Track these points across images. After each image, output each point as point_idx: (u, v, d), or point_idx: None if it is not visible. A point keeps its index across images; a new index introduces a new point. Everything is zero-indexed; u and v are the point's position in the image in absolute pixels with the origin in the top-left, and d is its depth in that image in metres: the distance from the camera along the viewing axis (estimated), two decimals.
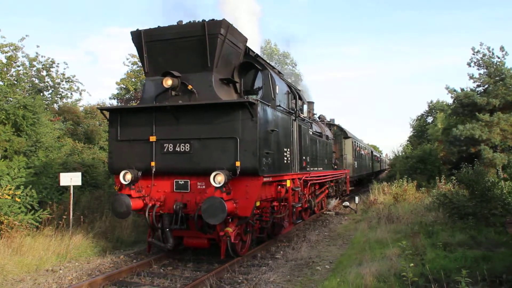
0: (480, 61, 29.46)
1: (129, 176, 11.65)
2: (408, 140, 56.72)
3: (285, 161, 13.33)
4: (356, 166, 32.75)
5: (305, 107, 16.62)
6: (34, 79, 26.97)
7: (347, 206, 23.67)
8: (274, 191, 13.03)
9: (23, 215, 13.28)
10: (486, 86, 29.37)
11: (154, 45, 11.97)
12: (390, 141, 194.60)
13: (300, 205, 15.44)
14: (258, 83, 13.16)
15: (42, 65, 27.14)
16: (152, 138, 11.82)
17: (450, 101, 34.86)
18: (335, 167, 24.35)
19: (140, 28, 12.04)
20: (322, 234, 16.48)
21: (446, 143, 31.83)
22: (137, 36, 12.06)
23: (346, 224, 18.94)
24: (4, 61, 24.62)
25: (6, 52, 24.80)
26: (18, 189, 13.59)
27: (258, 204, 11.79)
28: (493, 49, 29.23)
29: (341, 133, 28.64)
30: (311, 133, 17.82)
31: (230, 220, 11.31)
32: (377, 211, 19.21)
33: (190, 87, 11.64)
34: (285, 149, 13.36)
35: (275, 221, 13.95)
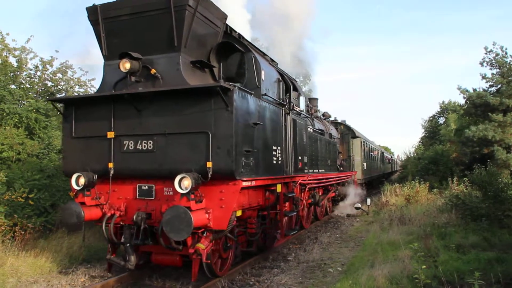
0: (493, 61, 26.68)
1: (82, 180, 8.61)
2: (420, 141, 53.21)
3: (275, 162, 10.10)
4: (365, 168, 28.77)
5: (302, 99, 13.08)
6: (47, 82, 24.28)
7: (359, 208, 21.14)
8: (262, 198, 9.90)
9: (36, 217, 12.41)
10: (499, 86, 26.70)
11: (112, 22, 8.86)
12: (401, 142, 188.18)
13: (295, 213, 12.08)
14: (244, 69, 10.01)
15: (57, 68, 24.44)
16: (110, 134, 8.75)
17: (462, 101, 32.36)
18: (341, 168, 20.59)
19: (97, 3, 8.95)
20: (333, 236, 14.96)
21: (458, 144, 29.13)
22: (93, 12, 8.96)
23: (358, 226, 17.26)
24: (15, 64, 22.09)
25: (16, 56, 22.18)
26: (32, 192, 12.33)
27: (239, 214, 8.70)
28: (506, 49, 26.46)
29: (348, 132, 24.75)
30: (311, 130, 14.33)
31: (202, 234, 8.28)
32: (389, 213, 17.63)
33: (153, 71, 8.53)
34: (275, 147, 10.12)
35: (266, 232, 10.91)
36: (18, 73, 22.17)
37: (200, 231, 8.14)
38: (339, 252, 12.05)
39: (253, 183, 8.73)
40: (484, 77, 27.00)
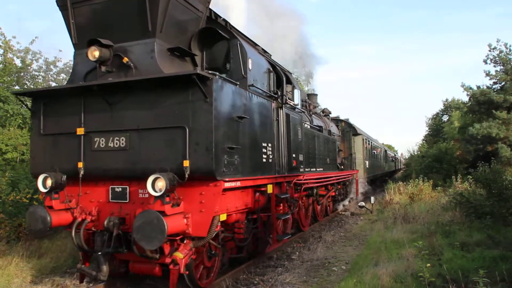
0: (497, 58, 26.15)
1: (49, 182, 7.38)
2: (423, 139, 51.76)
3: (265, 160, 8.77)
4: (367, 166, 27.16)
5: (297, 92, 11.59)
6: (51, 83, 23.23)
7: (363, 206, 20.29)
8: (250, 200, 8.59)
9: None
10: (502, 83, 26.18)
11: (82, 7, 7.58)
12: (405, 140, 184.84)
13: (289, 216, 10.68)
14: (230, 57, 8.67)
15: (60, 68, 23.42)
16: (80, 131, 7.51)
17: (466, 99, 31.44)
18: (342, 167, 18.99)
19: None
20: (337, 234, 14.35)
21: (462, 142, 28.46)
22: None
23: (362, 225, 16.56)
24: (19, 65, 21.16)
25: (20, 57, 21.19)
26: (36, 193, 11.90)
27: (223, 218, 7.43)
28: (510, 46, 25.82)
29: (349, 130, 23.00)
30: (307, 126, 12.91)
31: (181, 242, 7.05)
32: (393, 211, 16.81)
33: (125, 59, 7.26)
34: (264, 144, 8.79)
35: (258, 236, 9.64)
36: (22, 74, 21.32)
37: (178, 238, 6.92)
38: (343, 251, 11.55)
39: (238, 183, 7.44)
40: (488, 74, 26.35)
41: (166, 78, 6.76)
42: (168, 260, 6.91)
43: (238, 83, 7.80)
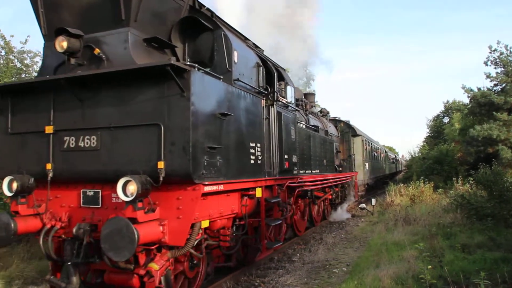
0: (497, 60, 25.36)
1: (15, 185, 6.49)
2: (424, 141, 50.71)
3: (253, 162, 7.84)
4: (367, 168, 26.01)
5: (290, 89, 10.63)
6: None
7: (364, 208, 19.82)
8: (237, 205, 7.67)
9: None
10: (503, 85, 25.40)
11: None
12: (406, 142, 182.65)
13: (279, 221, 9.62)
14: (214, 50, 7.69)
15: None
16: (48, 129, 6.61)
17: (466, 100, 30.77)
18: (340, 169, 17.83)
19: None
20: (338, 236, 14.05)
21: (463, 144, 27.82)
22: None
23: (363, 226, 16.13)
24: (18, 65, 20.38)
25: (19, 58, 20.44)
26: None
27: (205, 225, 6.56)
28: (510, 48, 24.98)
29: (348, 131, 21.70)
30: (302, 126, 11.91)
31: (158, 252, 6.19)
32: (394, 213, 16.61)
33: (97, 51, 6.36)
34: (252, 144, 7.86)
35: (248, 243, 8.74)
36: (23, 75, 20.54)
37: (153, 247, 6.04)
38: (344, 253, 11.29)
39: (221, 187, 6.53)
40: (488, 76, 25.62)
41: (137, 70, 5.85)
42: (142, 271, 6.04)
43: (221, 77, 6.91)
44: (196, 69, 6.02)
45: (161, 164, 5.76)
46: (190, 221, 5.99)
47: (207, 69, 6.83)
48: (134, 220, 5.52)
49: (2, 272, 8.59)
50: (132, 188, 5.56)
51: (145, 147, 5.94)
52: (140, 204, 5.67)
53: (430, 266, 7.07)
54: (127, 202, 5.62)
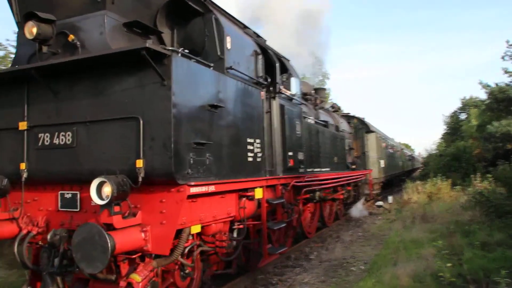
0: None
1: None
2: (441, 138, 48.69)
3: (251, 159, 6.87)
4: (382, 166, 24.30)
5: (295, 81, 9.48)
6: None
7: (381, 206, 19.24)
8: (234, 207, 6.74)
9: None
10: None
11: None
12: (423, 139, 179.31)
13: (283, 225, 8.53)
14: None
15: None
16: (22, 125, 5.80)
17: (484, 96, 29.02)
18: (353, 166, 16.53)
19: None
20: (355, 234, 13.60)
21: (480, 140, 26.98)
22: None
23: (380, 224, 15.58)
24: None
25: None
26: None
27: (196, 230, 5.66)
28: None
29: (362, 127, 20.44)
30: (310, 120, 10.80)
31: (141, 261, 5.31)
32: (411, 211, 16.07)
33: (71, 37, 5.51)
34: (250, 140, 6.88)
35: (250, 248, 7.81)
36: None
37: (135, 256, 5.19)
38: (362, 251, 10.90)
39: (212, 188, 5.59)
40: (506, 71, 23.96)
41: (108, 56, 4.97)
42: (123, 284, 5.18)
43: (212, 64, 6.00)
44: (179, 54, 5.15)
45: (139, 163, 4.89)
46: (175, 226, 5.10)
47: (198, 58, 5.96)
48: (109, 227, 4.70)
49: None
50: (108, 190, 4.72)
51: (123, 143, 5.09)
52: (117, 208, 4.82)
53: (449, 264, 6.90)
54: (101, 206, 4.78)
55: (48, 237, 5.50)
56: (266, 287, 7.81)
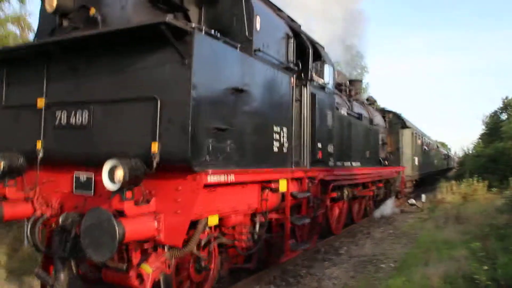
0: None
1: (2, 164, 5.44)
2: (479, 138, 46.75)
3: (276, 149, 6.38)
4: (416, 163, 23.43)
5: (328, 69, 8.84)
6: None
7: (413, 204, 18.45)
8: (256, 199, 6.29)
9: None
10: None
11: None
12: (460, 138, 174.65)
13: (308, 220, 8.04)
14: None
15: None
16: (40, 103, 5.51)
17: None
18: (386, 162, 15.76)
19: None
20: (386, 231, 13.38)
21: None
22: None
23: (412, 223, 15.17)
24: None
25: None
26: None
27: (213, 222, 5.29)
28: None
29: (397, 122, 19.44)
30: (343, 112, 10.21)
31: (153, 251, 4.95)
32: (445, 211, 15.53)
33: (92, 11, 5.17)
34: (276, 129, 6.38)
35: (272, 242, 7.34)
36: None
37: (147, 245, 4.85)
38: (392, 248, 10.74)
39: (232, 177, 5.16)
40: None
41: (125, 31, 4.60)
42: (132, 273, 4.85)
43: (238, 44, 5.54)
44: (203, 32, 4.73)
45: (155, 146, 4.51)
46: (190, 217, 4.71)
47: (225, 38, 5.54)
48: (120, 213, 4.38)
49: None
50: (120, 173, 4.37)
51: (139, 125, 4.72)
52: (129, 194, 4.49)
53: (486, 267, 6.65)
54: (113, 191, 4.46)
55: (60, 220, 5.22)
56: (295, 279, 7.65)
